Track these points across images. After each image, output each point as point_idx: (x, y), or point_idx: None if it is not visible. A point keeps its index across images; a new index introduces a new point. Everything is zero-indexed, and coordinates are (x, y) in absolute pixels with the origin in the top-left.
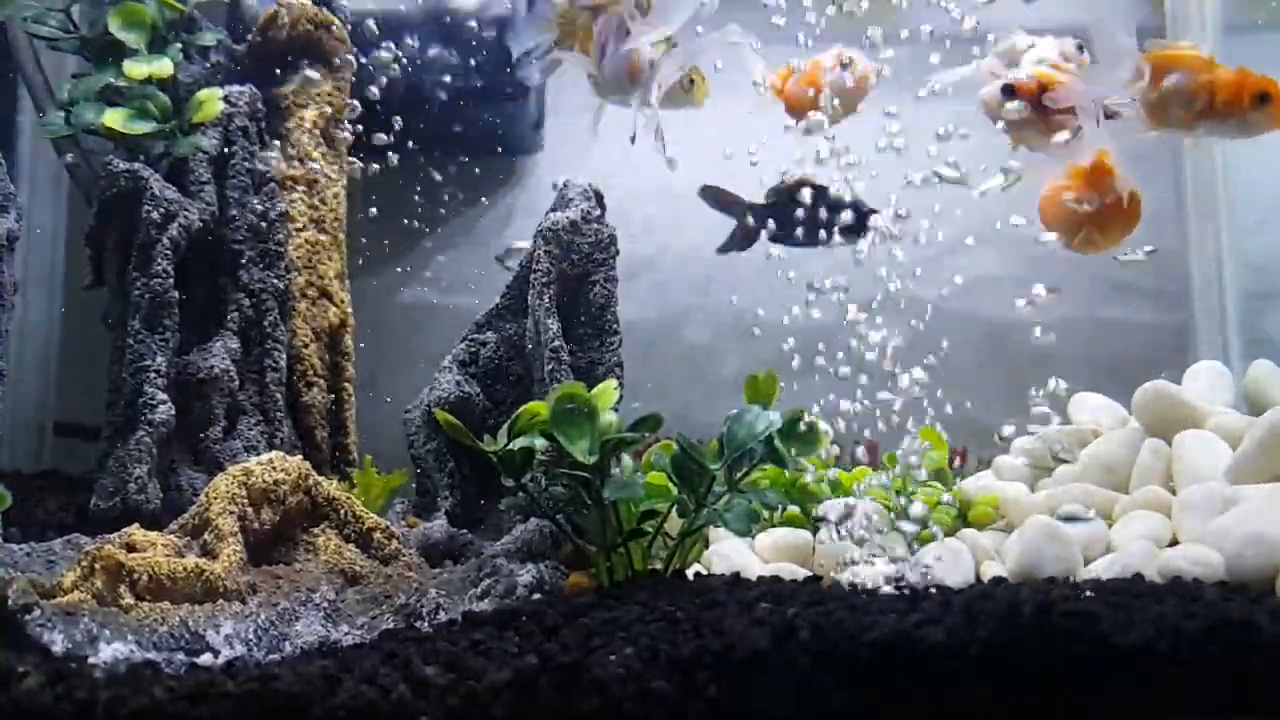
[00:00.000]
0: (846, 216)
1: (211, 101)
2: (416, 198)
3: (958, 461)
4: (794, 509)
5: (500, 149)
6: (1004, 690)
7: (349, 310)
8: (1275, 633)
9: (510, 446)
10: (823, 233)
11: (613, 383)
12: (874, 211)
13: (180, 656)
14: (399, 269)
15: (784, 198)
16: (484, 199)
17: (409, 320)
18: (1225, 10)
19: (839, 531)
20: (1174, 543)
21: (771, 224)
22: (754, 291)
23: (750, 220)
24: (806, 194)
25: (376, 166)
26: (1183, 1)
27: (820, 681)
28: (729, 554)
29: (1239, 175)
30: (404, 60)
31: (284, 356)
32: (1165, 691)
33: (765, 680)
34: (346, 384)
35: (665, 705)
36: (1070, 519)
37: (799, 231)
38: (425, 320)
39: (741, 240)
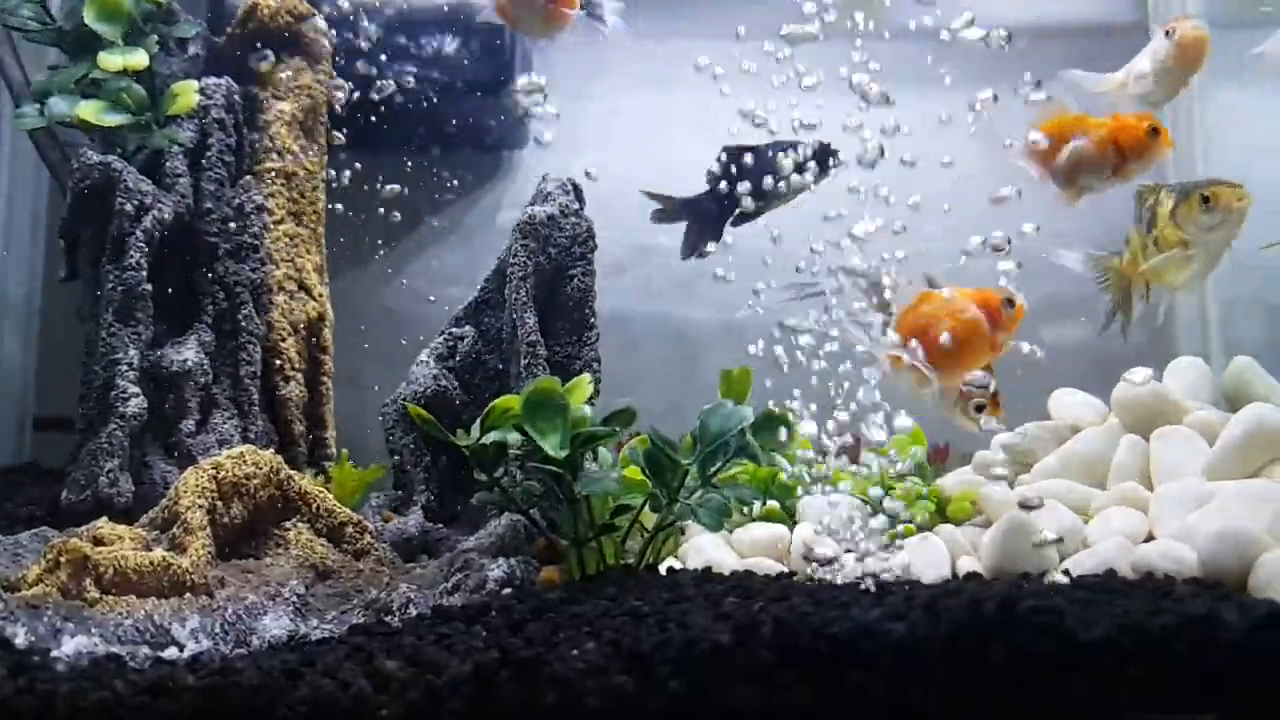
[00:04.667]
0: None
1: (186, 94)
2: (403, 191)
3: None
4: (774, 504)
5: (487, 143)
6: (966, 685)
7: (327, 304)
8: (1240, 629)
9: (482, 441)
10: (780, 184)
11: (587, 377)
12: (828, 154)
13: (145, 650)
14: (385, 263)
15: (724, 171)
16: (471, 193)
17: (394, 314)
18: (1209, 6)
19: (819, 528)
20: (1150, 539)
21: (723, 205)
22: (740, 286)
23: (699, 208)
24: (748, 159)
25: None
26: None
27: (782, 676)
28: (706, 549)
29: (1222, 171)
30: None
31: (258, 350)
32: (1129, 688)
33: (727, 674)
34: (325, 378)
35: (625, 699)
36: (1027, 506)
37: (750, 201)
38: (411, 314)
39: (697, 238)
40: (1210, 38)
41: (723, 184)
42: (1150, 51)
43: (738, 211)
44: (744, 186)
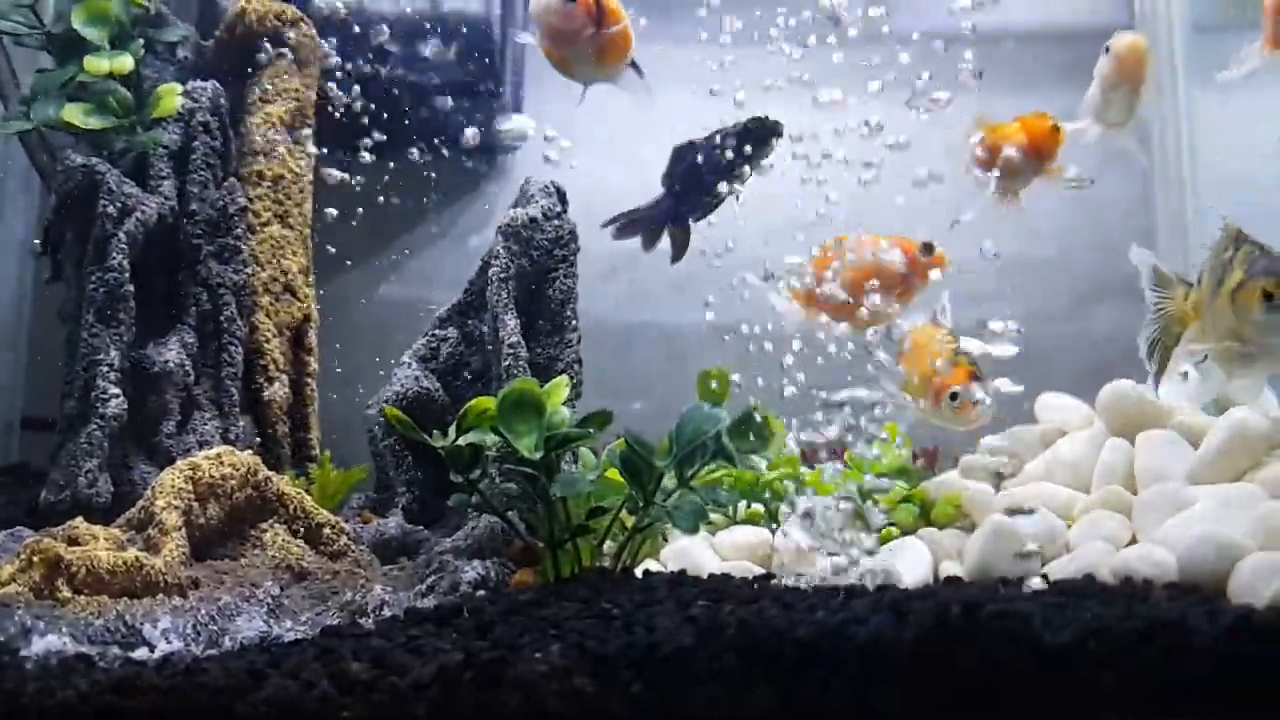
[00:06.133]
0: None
1: (170, 96)
2: (395, 194)
3: (920, 461)
4: (758, 507)
5: (479, 146)
6: (932, 689)
7: (313, 306)
8: (1211, 635)
9: (458, 442)
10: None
11: (564, 379)
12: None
13: (115, 650)
14: (373, 265)
15: (681, 167)
16: (462, 196)
17: (387, 317)
18: (1193, 9)
19: (799, 530)
20: (1133, 543)
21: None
22: (732, 288)
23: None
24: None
25: (342, 176)
26: (1151, 1)
27: (744, 678)
28: (687, 551)
29: (1208, 176)
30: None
31: (240, 351)
32: (1096, 694)
33: (689, 677)
34: (309, 379)
35: (588, 702)
36: (1016, 512)
37: (714, 186)
38: (403, 317)
39: (683, 243)
40: (1147, 47)
41: (676, 182)
42: (1096, 72)
43: (707, 198)
44: (699, 178)
